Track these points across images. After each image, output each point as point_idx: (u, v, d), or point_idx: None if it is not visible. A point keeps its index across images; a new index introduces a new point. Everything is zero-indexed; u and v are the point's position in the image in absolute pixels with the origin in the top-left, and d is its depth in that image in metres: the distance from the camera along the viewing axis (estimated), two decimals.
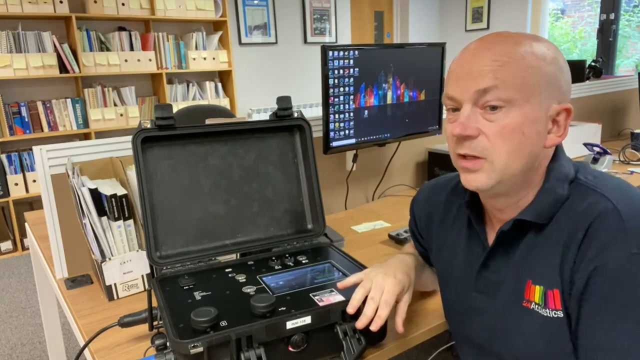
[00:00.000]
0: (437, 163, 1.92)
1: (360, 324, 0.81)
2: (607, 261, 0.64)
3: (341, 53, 1.43)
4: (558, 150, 0.76)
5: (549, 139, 0.72)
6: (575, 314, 0.68)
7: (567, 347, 0.70)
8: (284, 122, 1.13)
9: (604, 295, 0.64)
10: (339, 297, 0.86)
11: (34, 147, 1.18)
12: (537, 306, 0.72)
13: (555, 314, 0.70)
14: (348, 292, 0.86)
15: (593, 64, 3.49)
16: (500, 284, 0.78)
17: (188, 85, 4.18)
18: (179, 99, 4.13)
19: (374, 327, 0.81)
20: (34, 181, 3.51)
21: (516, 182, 0.73)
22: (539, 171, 0.74)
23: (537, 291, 0.72)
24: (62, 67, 3.51)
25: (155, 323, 0.90)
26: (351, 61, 1.46)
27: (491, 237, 0.82)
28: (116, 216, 1.09)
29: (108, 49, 3.74)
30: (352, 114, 1.51)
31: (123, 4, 3.71)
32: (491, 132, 0.70)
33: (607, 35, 4.83)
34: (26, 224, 1.68)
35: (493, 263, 0.79)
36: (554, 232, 0.71)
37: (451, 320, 0.90)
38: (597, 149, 1.97)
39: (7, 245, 3.51)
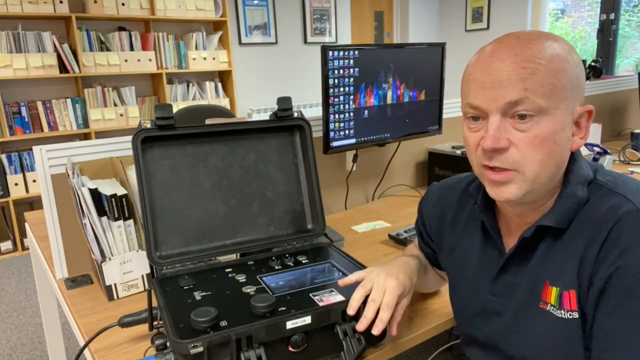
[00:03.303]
0: (437, 163, 1.92)
1: (361, 326, 0.81)
2: (629, 263, 0.64)
3: (341, 53, 1.43)
4: (576, 152, 0.74)
5: (574, 143, 0.71)
6: (592, 315, 0.68)
7: (579, 348, 0.69)
8: (284, 122, 1.13)
9: (622, 296, 0.64)
10: (339, 297, 0.86)
11: (34, 147, 1.18)
12: (552, 307, 0.72)
13: (570, 314, 0.70)
14: (348, 292, 0.86)
15: (593, 64, 3.48)
16: (518, 287, 0.77)
17: (188, 85, 4.18)
18: (179, 99, 4.13)
19: (375, 331, 0.80)
20: (34, 181, 3.51)
21: (544, 190, 0.72)
22: (560, 175, 0.73)
23: (553, 292, 0.72)
24: (62, 67, 3.51)
25: (155, 323, 0.90)
26: (351, 61, 1.46)
27: (507, 240, 0.81)
28: (116, 216, 1.09)
29: (108, 49, 3.74)
30: (352, 114, 1.51)
31: (123, 4, 3.70)
32: (522, 142, 0.67)
33: (607, 35, 4.82)
34: (26, 224, 1.68)
35: (511, 267, 0.78)
36: (574, 235, 0.70)
37: (462, 321, 0.90)
38: (597, 149, 1.97)
39: (7, 245, 3.51)
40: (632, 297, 0.63)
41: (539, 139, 0.67)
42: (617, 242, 0.65)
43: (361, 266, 0.99)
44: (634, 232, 0.64)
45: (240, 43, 4.56)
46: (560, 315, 0.71)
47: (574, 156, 0.74)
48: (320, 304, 0.84)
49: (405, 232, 1.39)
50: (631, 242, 0.64)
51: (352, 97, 1.50)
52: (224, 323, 0.78)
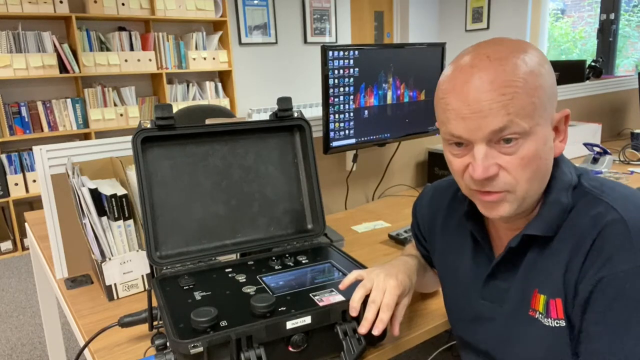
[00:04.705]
0: (437, 163, 1.92)
1: (363, 329, 0.81)
2: (613, 272, 0.64)
3: (341, 53, 1.43)
4: (558, 156, 0.74)
5: (556, 148, 0.71)
6: (578, 323, 0.68)
7: (568, 356, 0.70)
8: (284, 122, 1.13)
9: (608, 305, 0.64)
10: (339, 297, 0.86)
11: (34, 147, 1.18)
12: (540, 315, 0.72)
13: (557, 323, 0.70)
14: (348, 292, 0.86)
15: (593, 64, 3.49)
16: (508, 292, 0.77)
17: (188, 85, 4.18)
18: (179, 99, 4.13)
19: (376, 332, 0.80)
20: (34, 181, 3.51)
21: (532, 202, 0.72)
22: (545, 183, 0.73)
23: (541, 300, 0.72)
24: (62, 67, 3.52)
25: (155, 323, 0.90)
26: (351, 61, 1.46)
27: (496, 246, 0.81)
28: (116, 216, 1.09)
29: (108, 49, 3.74)
30: (352, 114, 1.51)
31: (123, 4, 3.71)
32: (511, 165, 0.67)
33: (607, 35, 4.83)
34: (26, 224, 1.68)
35: (500, 272, 0.78)
36: (560, 243, 0.70)
37: (456, 326, 0.90)
38: (597, 149, 1.97)
39: (7, 245, 3.51)
40: (616, 306, 0.63)
41: (526, 160, 0.67)
42: (601, 251, 0.65)
43: (361, 266, 0.99)
44: (618, 241, 0.64)
45: (240, 43, 4.56)
46: (547, 324, 0.71)
47: (556, 161, 0.73)
48: (320, 304, 0.84)
49: (405, 232, 1.39)
50: (615, 251, 0.64)
51: (352, 97, 1.50)
52: (224, 323, 0.78)
